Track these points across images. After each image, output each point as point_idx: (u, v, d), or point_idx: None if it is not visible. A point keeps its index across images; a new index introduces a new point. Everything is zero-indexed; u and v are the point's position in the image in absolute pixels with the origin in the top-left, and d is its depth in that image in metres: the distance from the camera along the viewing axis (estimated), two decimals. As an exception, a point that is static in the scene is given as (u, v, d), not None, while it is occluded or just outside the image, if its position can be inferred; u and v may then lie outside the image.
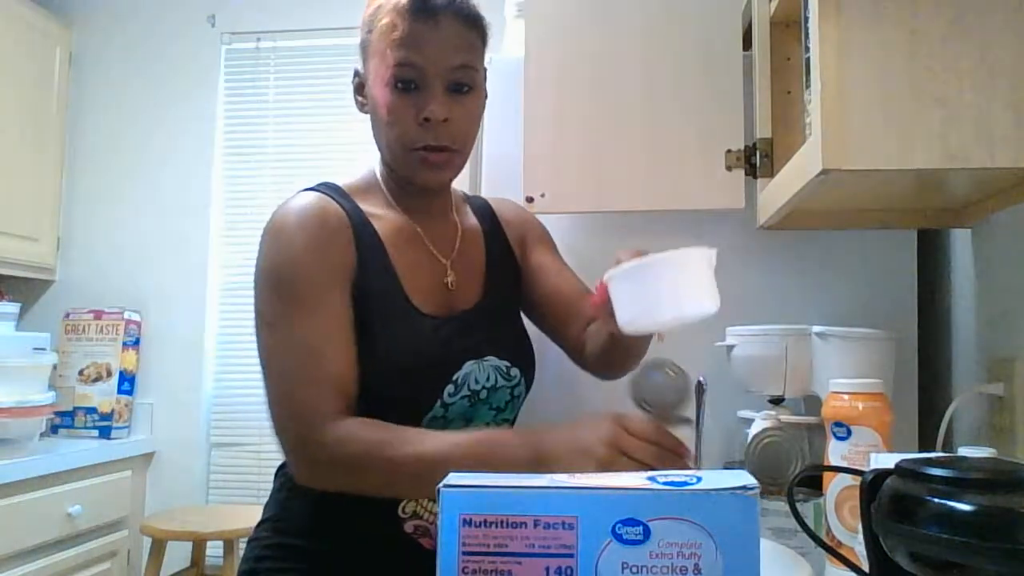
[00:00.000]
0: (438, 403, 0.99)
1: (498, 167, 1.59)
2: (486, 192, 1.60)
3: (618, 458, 0.77)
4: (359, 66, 1.05)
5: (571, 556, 0.52)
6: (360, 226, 1.00)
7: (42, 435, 2.48)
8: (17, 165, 2.77)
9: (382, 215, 1.04)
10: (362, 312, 0.96)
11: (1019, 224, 1.13)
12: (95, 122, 3.11)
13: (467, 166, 1.70)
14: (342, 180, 1.06)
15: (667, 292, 0.73)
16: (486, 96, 1.09)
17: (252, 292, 0.98)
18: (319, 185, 1.04)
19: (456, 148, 1.01)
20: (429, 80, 0.97)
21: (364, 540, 0.99)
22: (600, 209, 1.46)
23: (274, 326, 0.94)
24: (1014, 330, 1.14)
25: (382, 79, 0.98)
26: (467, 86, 1.01)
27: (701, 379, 1.07)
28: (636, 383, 0.96)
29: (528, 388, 1.10)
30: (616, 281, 0.75)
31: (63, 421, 2.76)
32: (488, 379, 1.03)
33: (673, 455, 0.79)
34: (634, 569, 0.52)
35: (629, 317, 0.75)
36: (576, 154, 1.43)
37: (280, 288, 0.95)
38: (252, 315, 0.98)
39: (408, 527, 0.99)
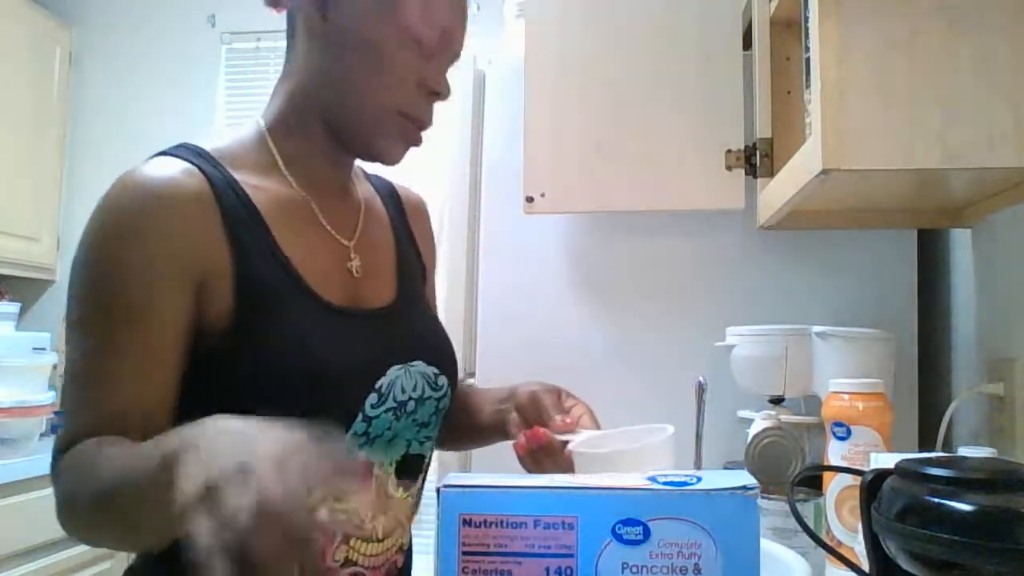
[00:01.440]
0: (359, 417, 0.79)
1: (498, 167, 1.59)
2: (486, 192, 1.61)
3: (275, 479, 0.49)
4: None
5: (571, 556, 0.52)
6: (230, 200, 0.77)
7: (42, 435, 2.47)
8: (17, 165, 2.77)
9: (263, 186, 0.81)
10: (247, 308, 0.75)
11: (1019, 224, 1.13)
12: (95, 122, 3.11)
13: (467, 166, 1.70)
14: (210, 142, 0.83)
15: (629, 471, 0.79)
16: None
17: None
18: (177, 148, 0.81)
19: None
20: (445, 55, 0.84)
21: None
22: (600, 209, 1.46)
23: (74, 328, 0.74)
24: (1014, 330, 1.14)
25: (404, 31, 0.80)
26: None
27: (701, 379, 1.07)
28: (752, 464, 0.98)
29: (451, 401, 0.92)
30: (580, 460, 0.79)
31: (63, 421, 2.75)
32: (415, 388, 0.84)
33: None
34: (634, 569, 0.52)
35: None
36: (576, 154, 1.44)
37: (89, 285, 0.74)
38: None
39: None
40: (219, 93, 3.07)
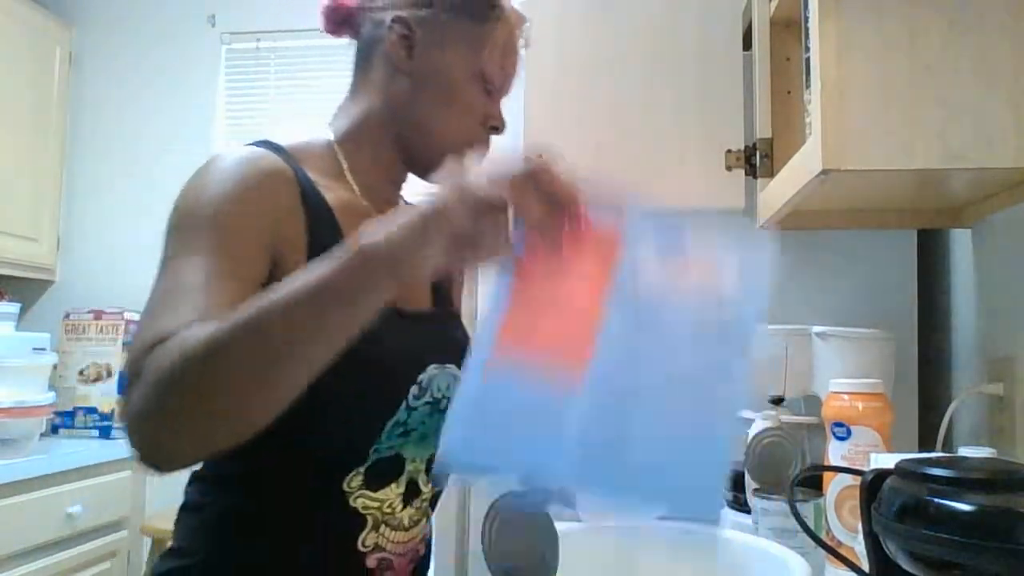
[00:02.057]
0: (403, 405, 0.85)
1: (498, 167, 1.59)
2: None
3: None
4: (405, 12, 0.90)
5: None
6: (310, 193, 0.84)
7: (42, 435, 2.48)
8: (17, 165, 2.77)
9: (331, 187, 0.88)
10: None
11: (1019, 224, 1.13)
12: (95, 122, 3.11)
13: (467, 166, 1.70)
14: (283, 140, 0.89)
15: None
16: None
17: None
18: (258, 142, 0.87)
19: None
20: (500, 93, 0.95)
21: None
22: (600, 209, 1.46)
23: (173, 250, 0.75)
24: (1014, 330, 1.14)
25: (479, 74, 0.90)
26: None
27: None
28: (752, 465, 0.98)
29: None
30: None
31: (63, 421, 2.75)
32: (449, 388, 0.90)
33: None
34: None
35: None
36: (576, 154, 1.43)
37: (186, 226, 0.76)
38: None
39: (371, 561, 0.85)
40: (219, 93, 3.07)
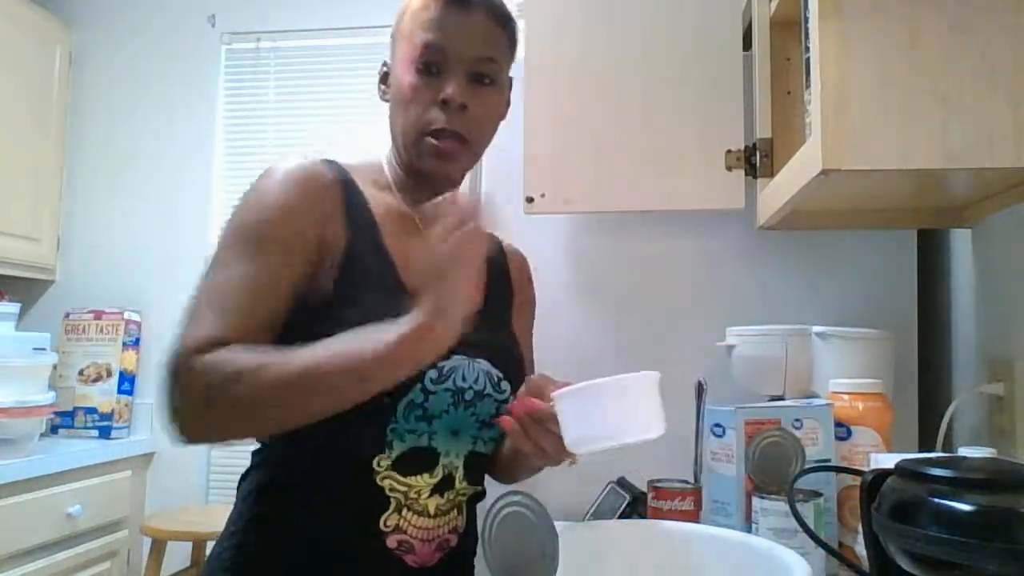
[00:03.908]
0: (418, 387, 0.88)
1: (498, 167, 1.59)
2: (486, 192, 1.60)
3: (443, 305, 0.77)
4: (388, 57, 1.03)
5: None
6: (352, 197, 0.95)
7: (42, 435, 2.48)
8: (17, 165, 2.77)
9: (376, 195, 0.98)
10: (347, 286, 0.89)
11: (1019, 224, 1.13)
12: (95, 122, 3.11)
13: (467, 166, 1.70)
14: (342, 158, 1.01)
15: (612, 416, 0.76)
16: (508, 103, 1.05)
17: None
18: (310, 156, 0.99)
19: (469, 139, 0.96)
20: (452, 66, 0.95)
21: (341, 558, 0.89)
22: (600, 209, 1.46)
23: (224, 253, 0.87)
24: (1014, 330, 1.14)
25: (407, 60, 0.96)
26: (489, 79, 0.97)
27: (701, 379, 1.07)
28: (753, 462, 0.98)
29: None
30: (562, 402, 0.77)
31: (63, 421, 2.75)
32: (477, 381, 0.93)
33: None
34: None
35: (575, 438, 0.77)
36: (576, 154, 1.43)
37: (234, 235, 0.88)
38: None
39: (391, 542, 0.89)
40: (219, 93, 3.07)
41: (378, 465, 0.88)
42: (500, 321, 1.06)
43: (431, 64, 0.95)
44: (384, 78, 1.04)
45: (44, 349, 2.53)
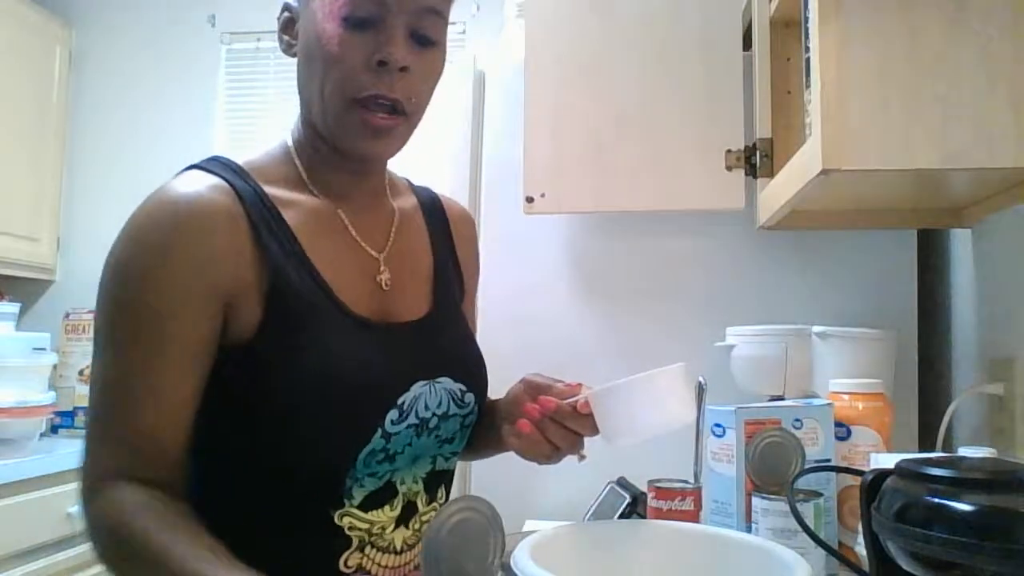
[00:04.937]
0: (378, 433, 0.78)
1: (498, 167, 1.59)
2: (486, 192, 1.61)
3: None
4: None
5: None
6: (260, 214, 0.78)
7: (42, 435, 2.47)
8: (17, 165, 2.77)
9: (292, 199, 0.82)
10: (275, 320, 0.75)
11: (1019, 224, 1.13)
12: (95, 122, 3.11)
13: (467, 166, 1.70)
14: (242, 156, 0.85)
15: (645, 408, 0.80)
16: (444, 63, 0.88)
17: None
18: (209, 161, 0.82)
19: (407, 110, 0.80)
20: (390, 18, 0.78)
21: None
22: (600, 209, 1.46)
23: (98, 347, 0.75)
24: (1014, 330, 1.14)
25: (330, 11, 0.77)
26: (432, 39, 0.81)
27: (701, 379, 1.07)
28: (753, 462, 0.99)
29: (479, 417, 0.91)
30: (598, 400, 0.80)
31: (63, 421, 2.75)
32: (439, 405, 0.84)
33: None
34: None
35: (612, 432, 0.80)
36: (576, 154, 1.43)
37: (116, 303, 0.74)
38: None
39: None
40: (219, 93, 3.07)
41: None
42: (453, 313, 0.94)
43: (364, 18, 0.77)
44: (288, 26, 0.84)
45: (44, 349, 2.53)
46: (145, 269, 0.73)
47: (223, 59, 3.08)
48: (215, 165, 0.81)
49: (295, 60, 0.84)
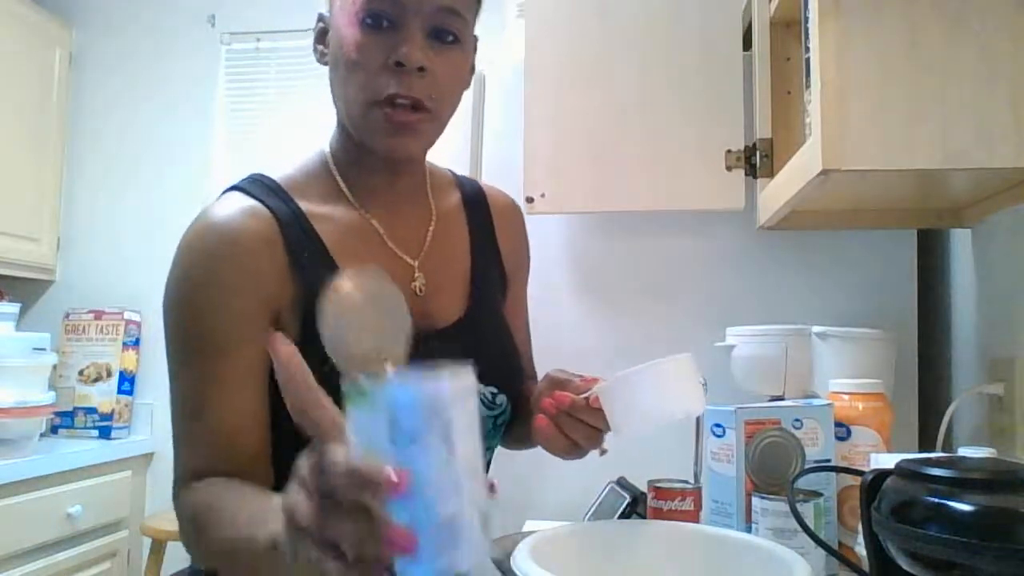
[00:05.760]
0: None
1: (498, 167, 1.59)
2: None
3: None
4: (325, 8, 0.86)
5: None
6: (295, 236, 0.82)
7: (42, 435, 2.47)
8: (17, 165, 2.77)
9: (328, 213, 0.85)
10: (315, 337, 0.75)
11: (1019, 224, 1.13)
12: (95, 122, 3.10)
13: (467, 166, 1.70)
14: (279, 171, 0.88)
15: (650, 397, 0.80)
16: (473, 69, 0.90)
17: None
18: (249, 181, 0.86)
19: (429, 108, 0.81)
20: (407, 19, 0.79)
21: None
22: (600, 209, 1.46)
23: (172, 364, 0.81)
24: (1014, 330, 1.14)
25: (349, 14, 0.79)
26: (452, 35, 0.81)
27: (701, 379, 1.07)
28: (753, 462, 0.99)
29: (515, 413, 0.94)
30: (606, 393, 0.80)
31: (63, 421, 2.75)
32: None
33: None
34: None
35: (619, 422, 0.80)
36: (576, 154, 1.44)
37: (179, 326, 0.80)
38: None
39: None
40: (219, 93, 3.07)
41: None
42: (488, 315, 0.94)
43: (380, 16, 0.79)
44: (321, 36, 0.87)
45: (44, 349, 2.53)
46: (198, 294, 0.79)
47: (223, 59, 3.07)
48: (254, 187, 0.85)
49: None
